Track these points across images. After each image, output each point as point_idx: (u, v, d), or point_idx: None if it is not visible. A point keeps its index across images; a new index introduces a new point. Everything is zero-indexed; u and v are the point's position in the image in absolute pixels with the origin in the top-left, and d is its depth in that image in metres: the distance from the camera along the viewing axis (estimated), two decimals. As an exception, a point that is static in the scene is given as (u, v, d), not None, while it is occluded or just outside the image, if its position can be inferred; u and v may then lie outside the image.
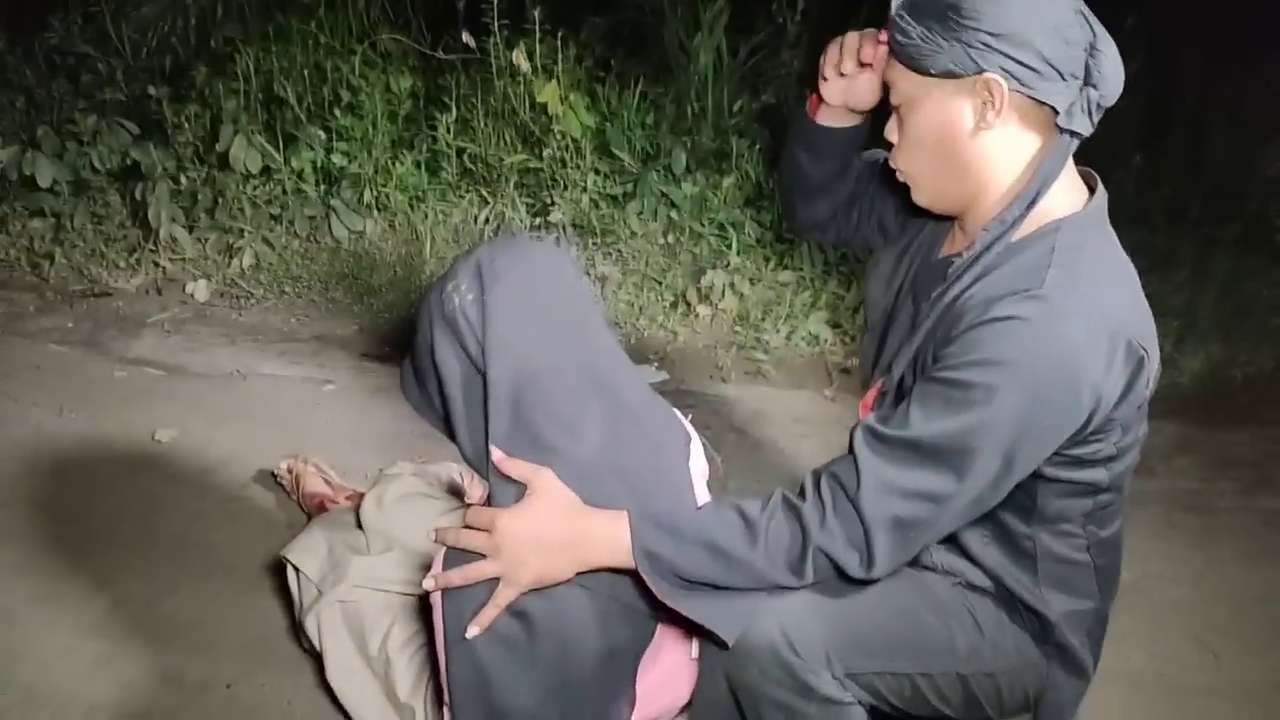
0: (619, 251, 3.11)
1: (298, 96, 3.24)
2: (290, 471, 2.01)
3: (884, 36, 1.14)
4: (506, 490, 1.13)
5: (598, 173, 3.19)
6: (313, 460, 2.03)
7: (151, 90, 3.29)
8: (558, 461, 1.12)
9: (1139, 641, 1.76)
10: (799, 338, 2.82)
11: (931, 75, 1.06)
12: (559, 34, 3.09)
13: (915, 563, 1.17)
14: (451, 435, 1.21)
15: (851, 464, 1.06)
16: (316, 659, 1.54)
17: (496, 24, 3.03)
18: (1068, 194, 1.10)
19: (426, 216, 3.13)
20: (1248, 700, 1.65)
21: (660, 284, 3.04)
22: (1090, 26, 1.05)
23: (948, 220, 1.21)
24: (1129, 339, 1.03)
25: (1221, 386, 2.63)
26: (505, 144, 3.22)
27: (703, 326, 2.92)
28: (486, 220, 3.16)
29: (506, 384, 1.13)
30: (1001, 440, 1.01)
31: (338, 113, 3.22)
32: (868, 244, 1.39)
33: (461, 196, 3.20)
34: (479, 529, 1.11)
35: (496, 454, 1.13)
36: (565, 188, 3.18)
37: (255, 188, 3.19)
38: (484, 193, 3.23)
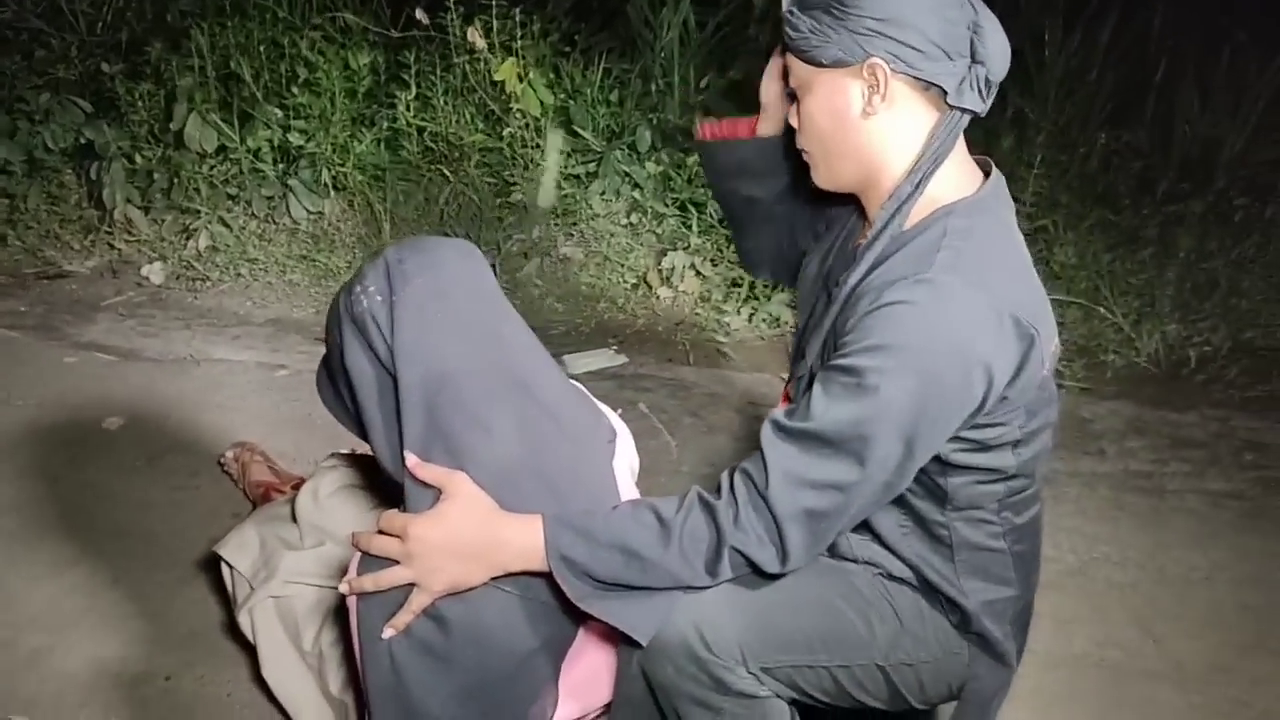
0: (580, 232, 3.08)
1: (254, 73, 3.19)
2: (236, 460, 2.00)
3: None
4: (422, 495, 1.11)
5: (560, 152, 3.15)
6: (258, 448, 2.02)
7: (105, 67, 3.24)
8: (472, 465, 1.10)
9: (1082, 626, 1.77)
10: (760, 319, 2.81)
11: (824, 66, 1.08)
12: (518, 10, 3.04)
13: (834, 554, 1.18)
14: (365, 438, 1.19)
15: (760, 459, 1.06)
16: (254, 653, 1.53)
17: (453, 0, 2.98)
18: (961, 179, 1.12)
19: (386, 196, 3.09)
20: (1189, 683, 1.66)
21: (622, 265, 3.02)
22: (972, 5, 1.07)
23: (863, 211, 1.22)
24: (1016, 317, 1.04)
25: (1177, 367, 2.63)
26: (465, 122, 3.18)
27: (664, 308, 2.90)
28: (447, 201, 3.13)
29: (418, 387, 1.11)
30: (898, 425, 1.02)
31: (295, 90, 3.17)
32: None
33: (423, 175, 3.17)
34: (393, 534, 1.10)
35: (410, 459, 1.11)
36: (526, 167, 3.14)
37: (211, 167, 3.14)
38: (445, 172, 3.19)
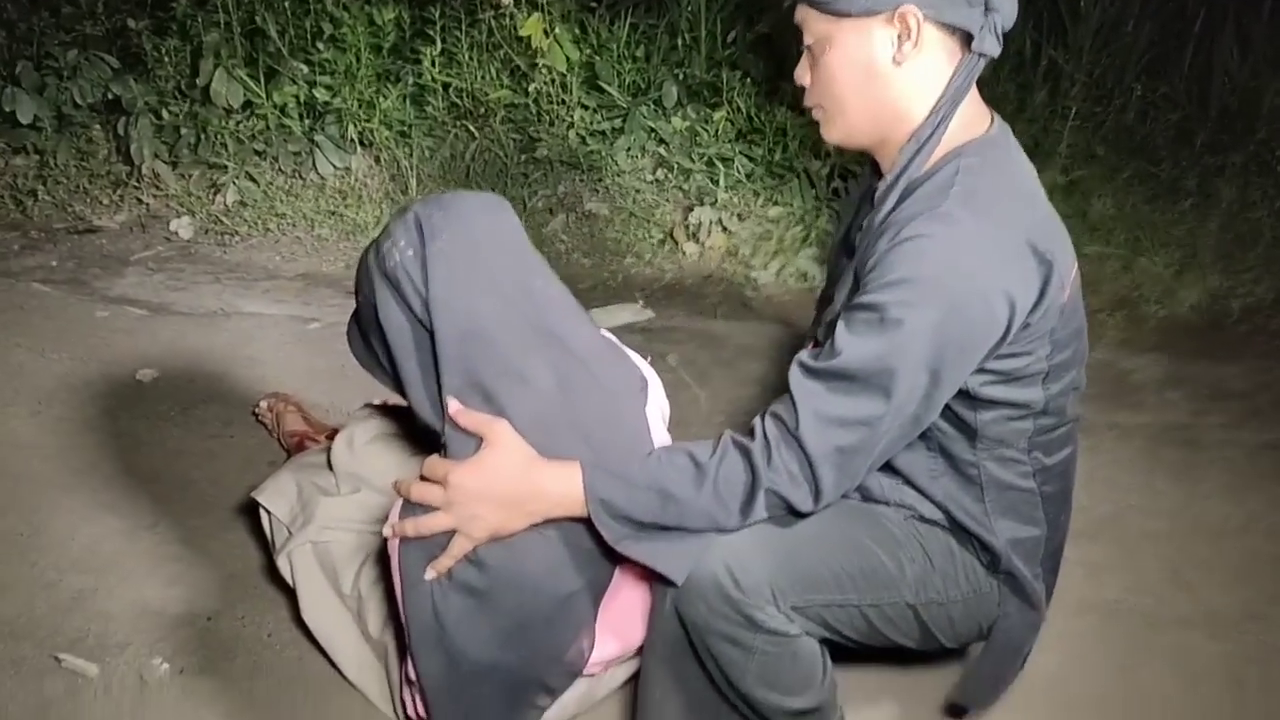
0: (606, 188, 3.06)
1: (279, 29, 3.17)
2: (270, 410, 2.02)
3: None
4: (463, 442, 1.12)
5: (585, 108, 3.13)
6: (293, 399, 2.03)
7: (131, 23, 3.23)
8: (510, 414, 1.11)
9: (1113, 573, 1.76)
10: (788, 274, 2.79)
11: (850, 15, 1.08)
12: (543, -37, 3.00)
13: (866, 498, 1.19)
14: (401, 392, 1.20)
15: (789, 400, 1.08)
16: (294, 595, 1.55)
17: (479, -48, 2.95)
18: (972, 121, 1.14)
19: (412, 152, 3.08)
20: (1221, 631, 1.65)
21: (649, 221, 3.00)
22: None
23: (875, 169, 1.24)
24: (1033, 244, 1.07)
25: (1218, 318, 2.59)
26: (490, 78, 3.15)
27: (690, 264, 2.89)
28: (473, 157, 3.11)
29: (455, 339, 1.12)
30: (922, 356, 1.04)
31: (320, 45, 3.16)
32: None
33: (448, 132, 3.15)
34: (434, 481, 1.11)
35: (453, 405, 1.12)
36: (551, 123, 3.12)
37: (238, 123, 3.14)
38: (471, 128, 3.17)
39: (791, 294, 2.76)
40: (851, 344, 1.05)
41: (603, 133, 3.15)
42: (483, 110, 3.16)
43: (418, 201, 1.18)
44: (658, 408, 1.28)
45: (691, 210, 2.94)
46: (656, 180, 3.08)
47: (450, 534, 1.11)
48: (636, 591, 1.21)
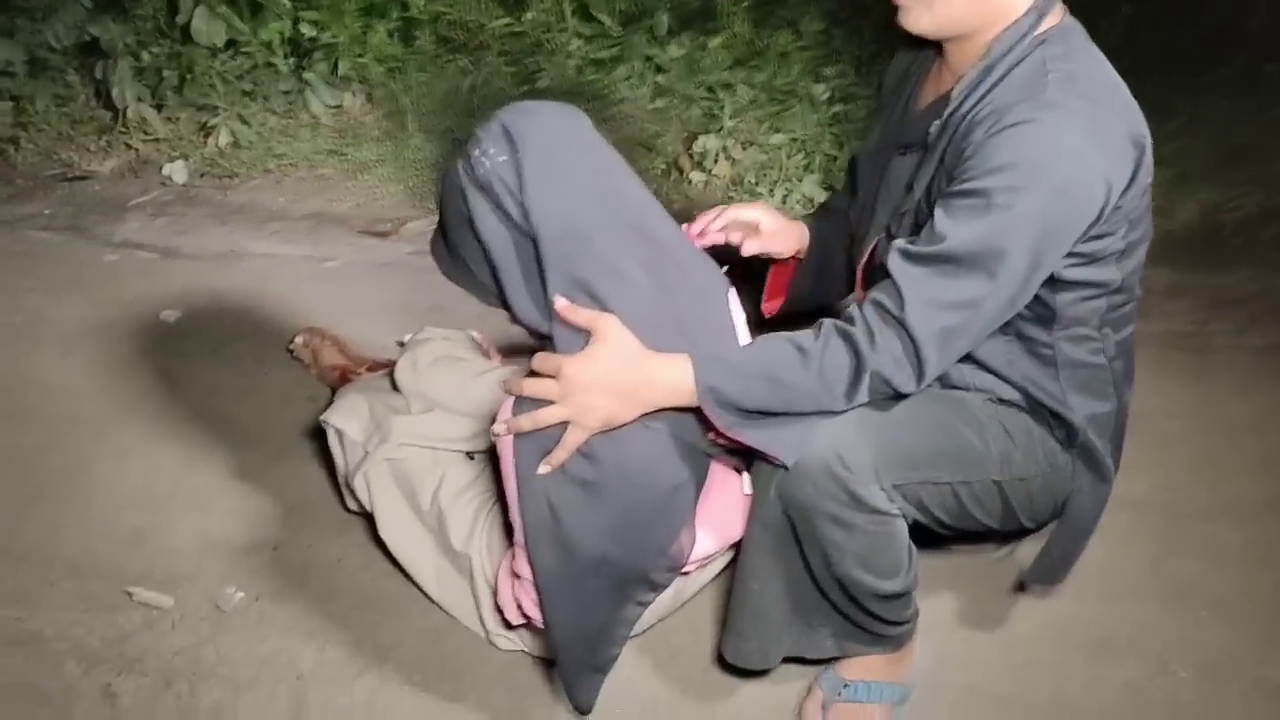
0: (608, 118, 3.04)
1: (259, -39, 3.07)
2: (307, 345, 2.00)
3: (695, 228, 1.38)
4: (571, 338, 1.14)
5: (580, 36, 3.09)
6: (329, 333, 2.02)
7: (104, -41, 3.10)
8: (614, 309, 1.13)
9: (1139, 472, 1.83)
10: (794, 201, 2.81)
11: None
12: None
13: (946, 384, 1.24)
14: (502, 299, 1.21)
15: (892, 287, 1.12)
16: (363, 519, 1.57)
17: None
18: (1055, 10, 1.18)
19: (410, 88, 3.02)
20: (1246, 522, 1.74)
21: (651, 150, 2.99)
22: None
23: (911, 79, 1.30)
24: (1129, 128, 1.11)
25: (1213, 231, 2.67)
26: (482, 8, 3.09)
27: (696, 193, 2.89)
28: (473, 89, 3.06)
29: (556, 239, 1.13)
30: (1029, 237, 1.08)
31: (302, -23, 3.06)
32: None
33: (443, 66, 3.09)
34: (546, 375, 1.13)
35: (560, 302, 1.13)
36: (550, 52, 3.08)
37: (224, 63, 3.05)
38: (464, 61, 3.12)
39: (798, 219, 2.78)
40: (956, 229, 1.08)
41: (600, 61, 3.12)
42: (476, 43, 3.11)
43: (501, 110, 1.19)
44: (737, 310, 1.31)
45: (695, 139, 2.94)
46: (657, 108, 3.07)
47: (560, 431, 1.13)
48: (729, 488, 1.25)
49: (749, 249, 1.41)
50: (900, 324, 1.10)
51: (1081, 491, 1.29)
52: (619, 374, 1.12)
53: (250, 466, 1.78)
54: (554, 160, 1.14)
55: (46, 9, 3.04)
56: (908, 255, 1.11)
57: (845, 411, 1.14)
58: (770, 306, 1.50)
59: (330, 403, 1.85)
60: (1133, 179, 1.12)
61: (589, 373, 1.12)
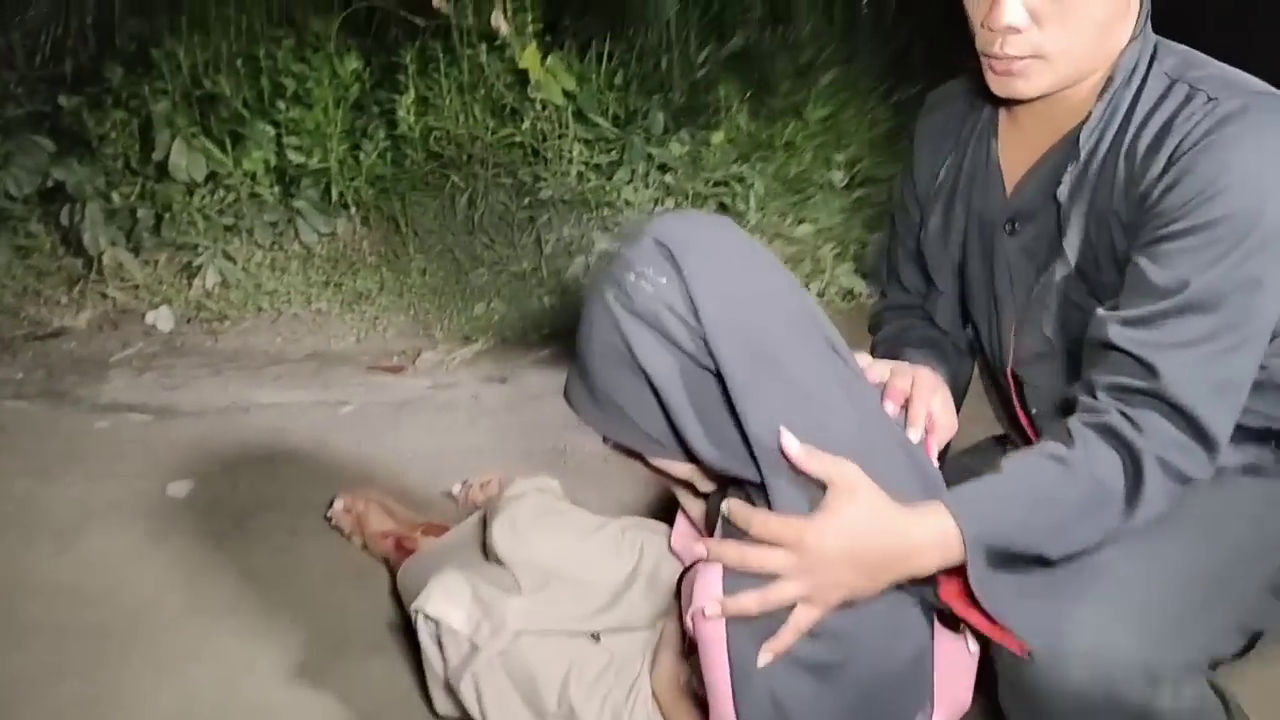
0: (618, 225, 2.89)
1: (234, 91, 2.90)
2: (348, 511, 1.76)
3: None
4: (795, 492, 0.93)
5: (582, 141, 2.96)
6: (371, 493, 1.78)
7: (62, 101, 2.90)
8: (829, 446, 0.93)
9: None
10: (833, 293, 2.68)
11: None
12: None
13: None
14: (679, 442, 1.01)
15: (1129, 361, 0.94)
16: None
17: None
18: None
19: (407, 209, 2.84)
20: None
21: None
22: None
23: (965, 147, 1.17)
24: None
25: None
26: (474, 120, 2.95)
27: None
28: (471, 203, 2.89)
29: (745, 365, 0.94)
30: (1276, 253, 0.93)
31: (281, 104, 2.89)
32: None
33: (442, 182, 2.92)
34: (771, 543, 0.92)
35: (792, 445, 0.92)
36: (547, 161, 2.93)
37: (203, 198, 2.84)
38: (455, 177, 2.95)
39: (840, 313, 2.64)
40: (1192, 273, 0.92)
41: (599, 166, 2.98)
42: (467, 157, 2.96)
43: (644, 228, 1.00)
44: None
45: (715, 237, 2.80)
46: (666, 210, 2.93)
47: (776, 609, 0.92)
48: (953, 644, 1.05)
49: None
50: (1158, 398, 0.93)
51: None
52: (877, 543, 0.91)
53: (306, 669, 1.50)
54: (725, 274, 0.96)
55: (3, 156, 2.82)
56: (1131, 323, 0.94)
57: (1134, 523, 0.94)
58: None
59: (393, 579, 1.62)
60: None
61: (839, 541, 0.90)
